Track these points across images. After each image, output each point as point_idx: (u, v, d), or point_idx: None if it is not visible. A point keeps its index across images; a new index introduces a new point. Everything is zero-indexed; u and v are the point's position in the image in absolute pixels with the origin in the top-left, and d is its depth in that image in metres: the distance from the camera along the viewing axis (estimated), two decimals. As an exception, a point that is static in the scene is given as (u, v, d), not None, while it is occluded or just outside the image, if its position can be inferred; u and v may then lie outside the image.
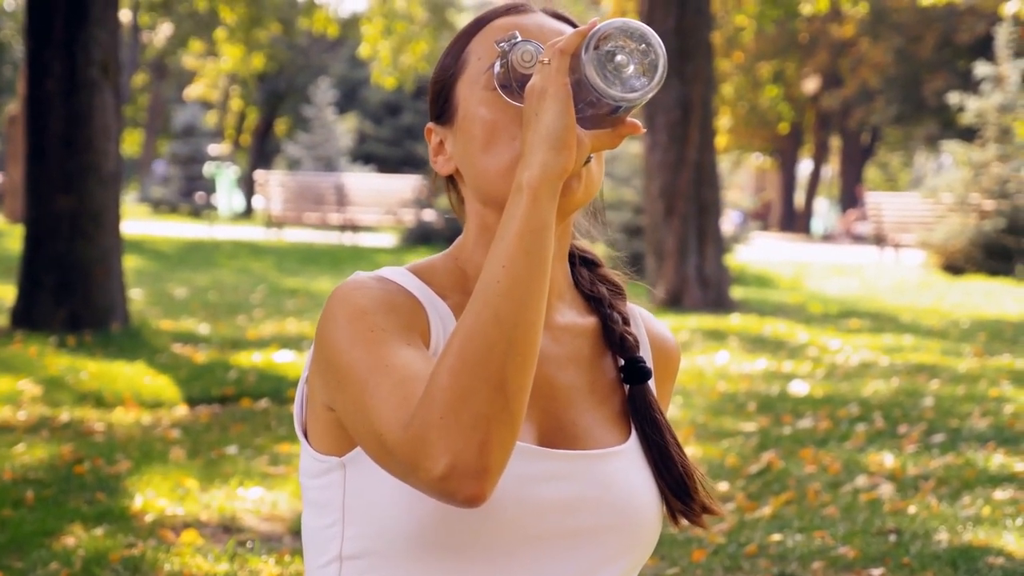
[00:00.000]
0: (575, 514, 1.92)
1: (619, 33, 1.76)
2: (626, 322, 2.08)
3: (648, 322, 2.16)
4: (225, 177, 38.87)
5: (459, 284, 1.99)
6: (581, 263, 2.12)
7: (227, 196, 38.77)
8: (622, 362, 2.06)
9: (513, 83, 1.88)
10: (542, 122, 1.77)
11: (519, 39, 1.88)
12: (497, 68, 1.90)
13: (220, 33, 28.44)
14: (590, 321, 2.07)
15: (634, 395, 2.04)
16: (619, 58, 1.76)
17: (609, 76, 1.75)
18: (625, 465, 1.98)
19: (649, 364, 2.08)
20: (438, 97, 2.02)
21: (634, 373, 2.04)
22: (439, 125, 2.02)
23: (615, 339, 2.06)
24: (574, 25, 2.00)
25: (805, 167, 56.18)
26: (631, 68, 1.76)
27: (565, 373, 2.00)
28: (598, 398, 2.03)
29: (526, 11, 2.00)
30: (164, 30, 45.34)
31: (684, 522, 2.05)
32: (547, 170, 1.76)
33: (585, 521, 1.93)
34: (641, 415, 2.03)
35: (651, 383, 2.08)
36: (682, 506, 2.03)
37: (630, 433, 2.03)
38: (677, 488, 2.02)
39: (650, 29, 1.76)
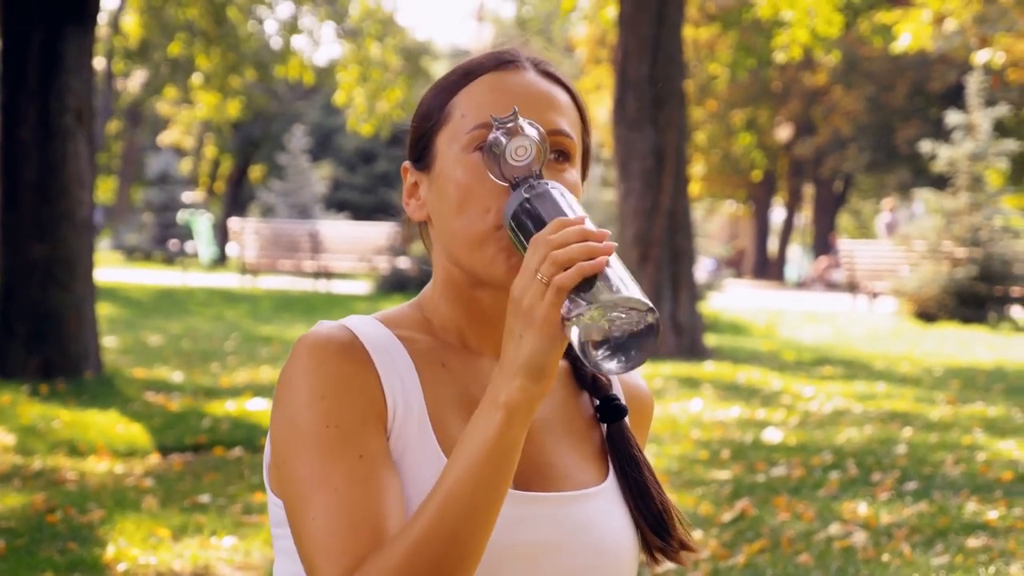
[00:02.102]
0: (553, 556, 1.92)
1: (615, 307, 1.68)
2: None
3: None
4: (203, 224, 38.81)
5: (427, 332, 1.99)
6: None
7: (206, 243, 38.66)
8: (597, 402, 2.06)
9: (499, 165, 1.84)
10: (525, 348, 1.72)
11: (516, 121, 1.83)
12: (489, 138, 1.85)
13: (195, 80, 28.44)
14: (564, 362, 2.07)
15: (611, 433, 2.04)
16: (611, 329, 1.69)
17: (596, 351, 1.70)
18: (602, 505, 1.98)
19: (626, 406, 2.07)
20: (418, 141, 2.00)
21: (610, 411, 2.04)
22: (416, 167, 2.00)
23: (587, 379, 2.06)
24: (564, 85, 1.98)
25: (778, 215, 56.36)
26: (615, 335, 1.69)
27: (541, 414, 1.99)
28: (575, 439, 2.02)
29: (516, 68, 1.96)
30: (138, 77, 45.30)
31: (662, 560, 2.05)
32: (526, 394, 1.74)
33: (563, 563, 1.92)
34: (619, 452, 2.03)
35: (627, 421, 2.08)
36: (660, 543, 2.01)
37: (608, 473, 2.02)
38: (656, 525, 2.01)
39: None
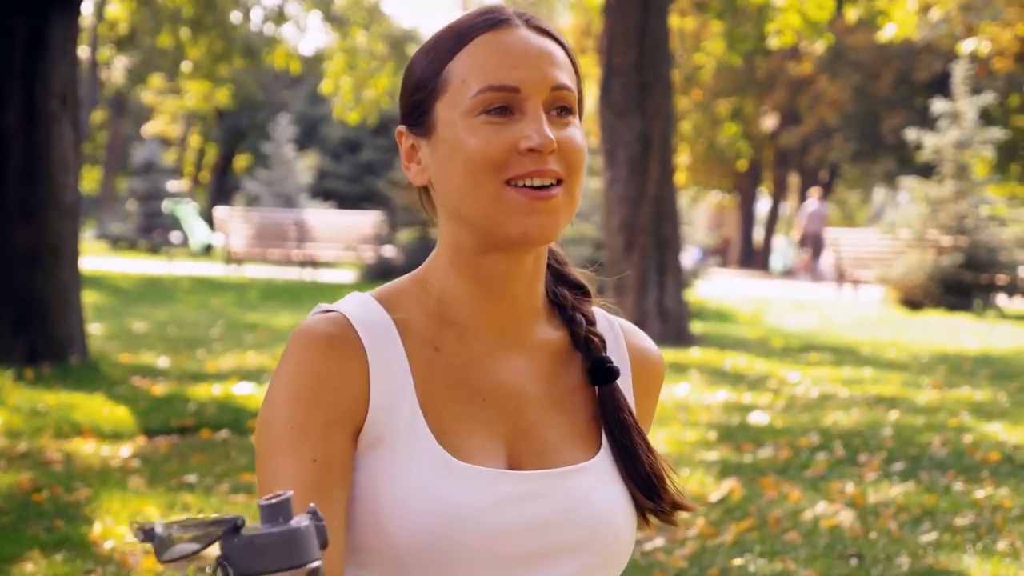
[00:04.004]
0: (545, 534, 1.91)
1: None
2: (591, 323, 2.06)
3: (629, 335, 2.12)
4: (190, 212, 38.72)
5: (426, 309, 1.97)
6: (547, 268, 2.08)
7: (197, 229, 38.51)
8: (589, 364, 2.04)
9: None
10: None
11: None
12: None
13: (185, 68, 28.40)
14: (562, 333, 2.05)
15: (603, 396, 2.02)
16: None
17: None
18: (594, 480, 1.96)
19: (618, 367, 2.05)
20: (415, 107, 1.97)
21: (600, 373, 2.02)
22: (412, 132, 1.98)
23: (580, 343, 2.04)
24: (559, 41, 1.96)
25: (764, 204, 56.39)
26: None
27: (534, 389, 1.98)
28: (569, 413, 2.00)
29: (509, 26, 1.93)
30: (123, 65, 45.18)
31: (656, 522, 2.04)
32: None
33: (555, 540, 1.92)
34: (609, 416, 2.01)
35: (628, 389, 2.06)
36: (652, 504, 2.01)
37: (600, 446, 2.01)
38: (645, 487, 2.00)
39: None
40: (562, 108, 1.92)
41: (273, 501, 1.38)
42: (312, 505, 1.42)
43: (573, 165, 1.90)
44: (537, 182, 1.86)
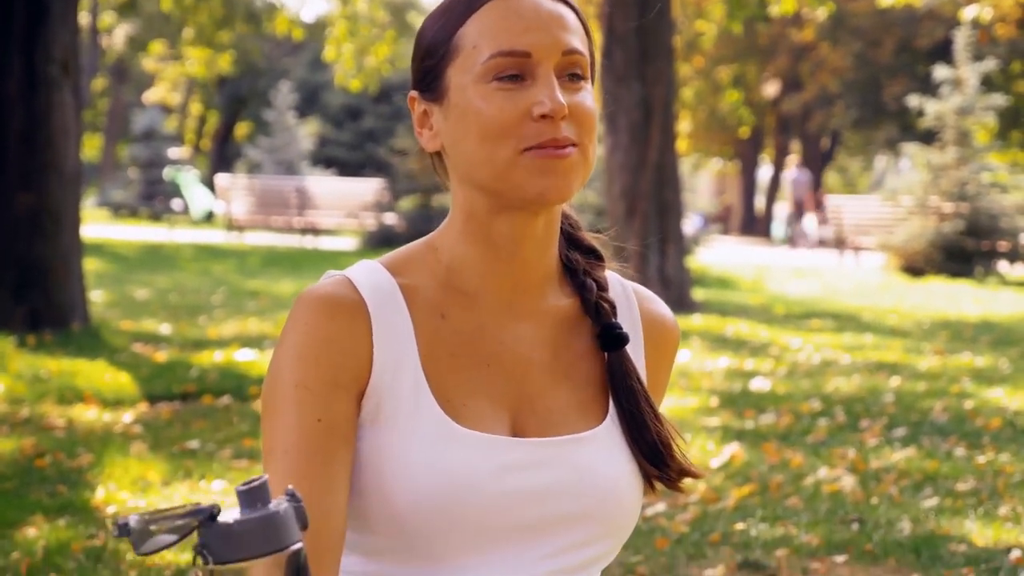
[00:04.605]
0: (550, 502, 1.91)
1: None
2: (603, 288, 2.04)
3: (643, 300, 2.10)
4: (192, 179, 38.68)
5: (434, 275, 1.97)
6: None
7: (199, 196, 38.43)
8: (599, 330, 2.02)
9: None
10: None
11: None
12: None
13: (187, 34, 28.33)
14: (573, 299, 2.03)
15: (611, 363, 2.01)
16: None
17: None
18: (599, 449, 1.96)
19: (628, 334, 2.02)
20: (426, 73, 1.96)
21: (609, 339, 2.00)
22: (424, 97, 1.97)
23: (590, 309, 2.02)
24: (570, 5, 1.94)
25: (765, 171, 56.31)
26: None
27: (541, 357, 1.98)
28: (576, 380, 1.99)
29: None
30: (123, 32, 45.10)
31: (661, 489, 2.04)
32: None
33: (560, 508, 1.91)
34: (617, 383, 2.00)
35: (639, 356, 2.05)
36: (657, 472, 2.00)
37: (607, 414, 2.00)
38: (651, 454, 1.99)
39: None
40: (573, 73, 1.91)
41: (249, 487, 1.38)
42: (290, 487, 1.42)
43: (585, 128, 1.89)
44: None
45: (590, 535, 1.94)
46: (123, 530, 1.37)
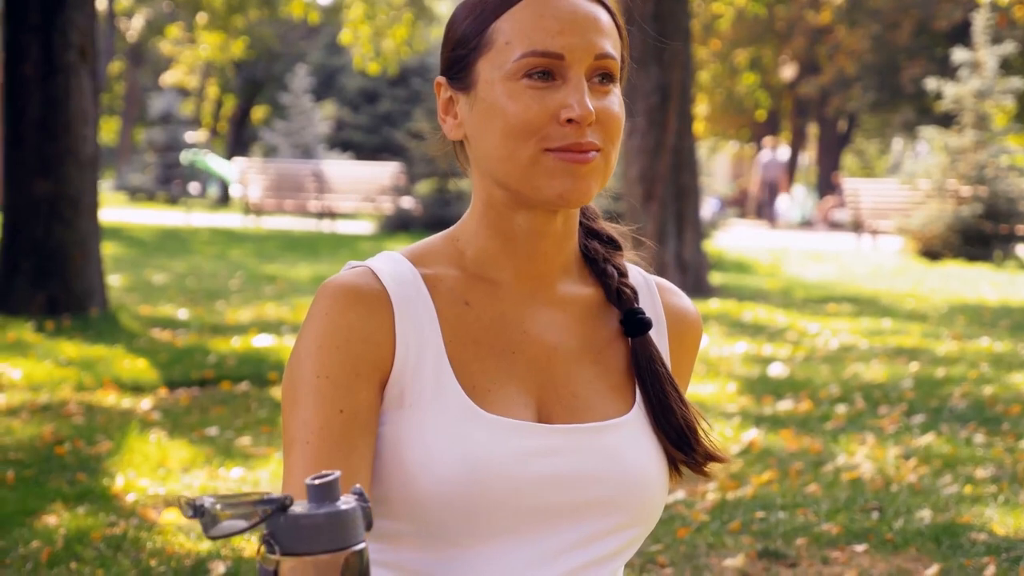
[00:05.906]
0: (575, 488, 1.91)
1: None
2: (623, 275, 2.05)
3: (665, 292, 2.11)
4: (214, 160, 38.66)
5: (457, 265, 1.97)
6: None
7: (223, 170, 38.29)
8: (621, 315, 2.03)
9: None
10: None
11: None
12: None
13: (201, 19, 28.33)
14: (595, 289, 2.05)
15: (635, 348, 2.01)
16: None
17: None
18: (626, 436, 1.96)
19: (651, 319, 2.03)
20: (456, 61, 1.95)
21: (633, 324, 2.01)
22: (452, 85, 1.97)
23: (612, 295, 2.03)
24: (608, 9, 1.93)
25: (782, 154, 56.21)
26: None
27: (567, 344, 1.98)
28: (602, 368, 2.00)
29: None
30: (141, 16, 45.12)
31: (688, 473, 2.04)
32: None
33: (586, 495, 1.92)
34: (642, 367, 2.00)
35: (664, 347, 2.05)
36: (683, 456, 2.00)
37: (634, 402, 2.00)
38: (677, 439, 1.99)
39: None
40: (604, 76, 1.91)
41: (321, 481, 1.39)
42: (358, 486, 1.42)
43: (610, 134, 1.89)
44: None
45: (615, 524, 1.94)
46: (197, 511, 1.38)
